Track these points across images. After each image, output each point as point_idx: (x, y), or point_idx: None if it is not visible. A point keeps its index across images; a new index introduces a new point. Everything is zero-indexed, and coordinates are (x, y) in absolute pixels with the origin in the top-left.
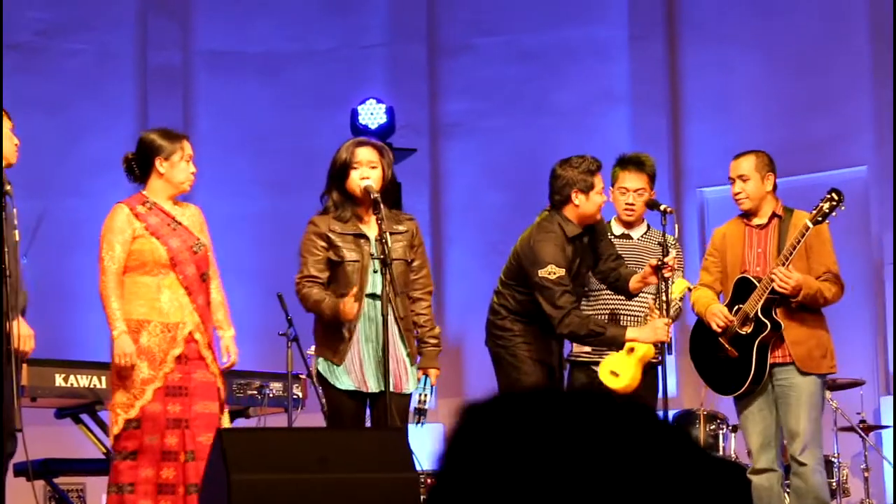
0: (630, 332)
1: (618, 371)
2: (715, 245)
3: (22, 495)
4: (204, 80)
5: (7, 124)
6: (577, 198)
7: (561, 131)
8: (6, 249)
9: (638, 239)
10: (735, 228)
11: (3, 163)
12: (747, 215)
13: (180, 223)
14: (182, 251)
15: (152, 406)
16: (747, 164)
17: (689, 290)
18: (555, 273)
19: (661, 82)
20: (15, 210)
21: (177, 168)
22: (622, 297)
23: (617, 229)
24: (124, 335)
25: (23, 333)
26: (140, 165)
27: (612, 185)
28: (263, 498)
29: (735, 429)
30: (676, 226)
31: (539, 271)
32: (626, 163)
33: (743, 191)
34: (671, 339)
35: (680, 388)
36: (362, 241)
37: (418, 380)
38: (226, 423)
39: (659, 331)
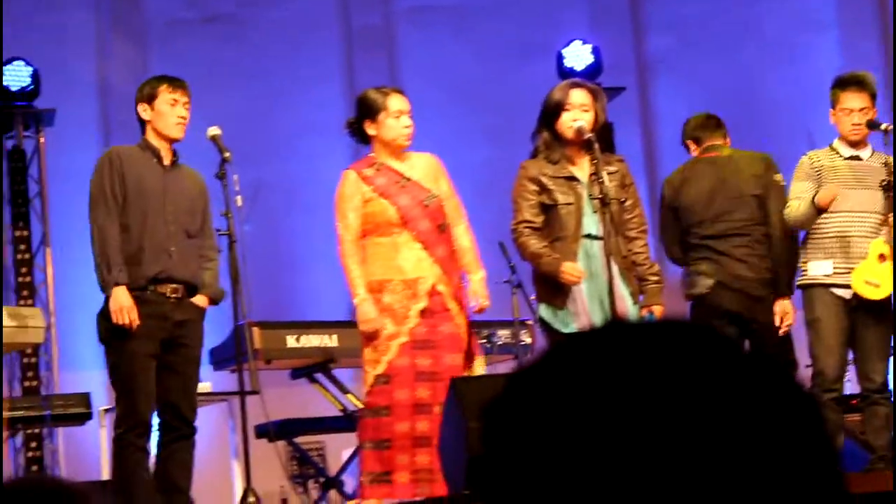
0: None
1: (877, 280)
2: None
3: (265, 456)
4: (406, 38)
5: (165, 98)
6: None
7: (769, 61)
8: (230, 215)
9: (866, 160)
10: None
11: (173, 136)
12: None
13: (409, 178)
14: (412, 208)
15: (400, 360)
16: None
17: None
18: None
19: (868, 4)
20: (235, 177)
21: (384, 127)
22: (854, 218)
23: (845, 151)
24: (365, 302)
25: (124, 304)
26: (360, 128)
27: (833, 107)
28: None
29: None
30: None
31: None
32: (846, 83)
33: None
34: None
35: None
36: (574, 183)
37: (641, 318)
38: (479, 369)
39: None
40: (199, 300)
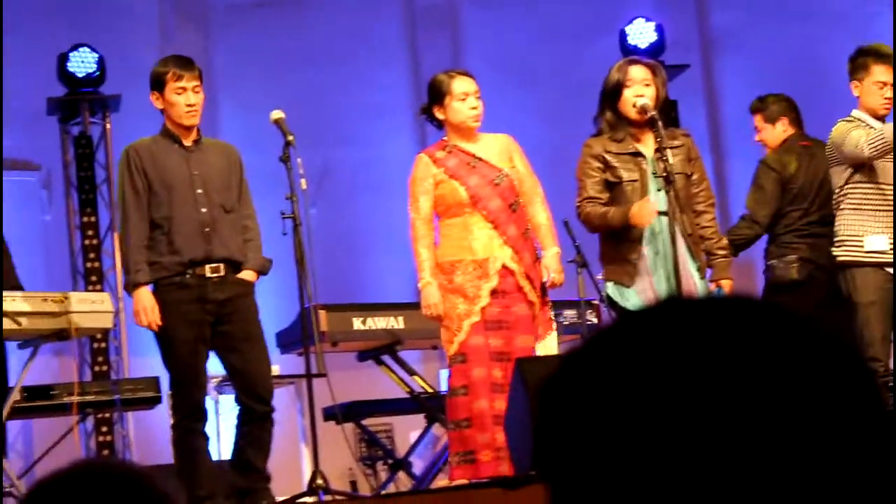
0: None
1: None
2: None
3: (333, 438)
4: (470, 17)
5: (172, 87)
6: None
7: (835, 35)
8: (295, 199)
9: None
10: None
11: (186, 124)
12: None
13: (480, 158)
14: (482, 187)
15: (474, 339)
16: None
17: None
18: None
19: None
20: (299, 160)
21: (451, 111)
22: None
23: (874, 124)
24: (429, 286)
25: (146, 305)
26: (432, 114)
27: (860, 79)
28: None
29: None
30: None
31: None
32: (882, 55)
33: None
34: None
35: None
36: (639, 159)
37: (710, 292)
38: (549, 344)
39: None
40: (246, 275)
